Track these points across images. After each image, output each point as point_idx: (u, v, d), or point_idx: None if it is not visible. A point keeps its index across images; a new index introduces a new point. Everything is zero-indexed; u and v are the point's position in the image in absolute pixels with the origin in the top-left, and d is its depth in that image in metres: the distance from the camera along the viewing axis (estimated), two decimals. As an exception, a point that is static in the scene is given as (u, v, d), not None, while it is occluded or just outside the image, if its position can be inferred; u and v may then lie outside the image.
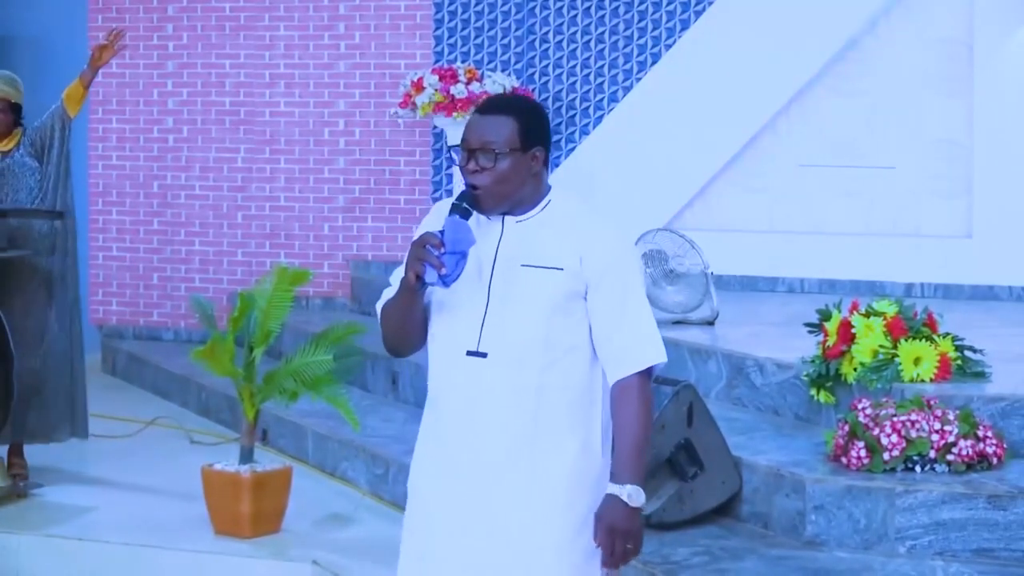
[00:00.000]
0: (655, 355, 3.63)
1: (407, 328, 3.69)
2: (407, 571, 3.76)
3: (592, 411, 3.66)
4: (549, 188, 3.71)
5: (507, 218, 3.65)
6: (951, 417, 5.68)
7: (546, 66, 10.47)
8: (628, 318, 3.61)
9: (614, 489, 3.55)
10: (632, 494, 3.54)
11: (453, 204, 3.59)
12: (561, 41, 10.44)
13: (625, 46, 10.33)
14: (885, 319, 6.28)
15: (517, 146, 3.60)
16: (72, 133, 7.63)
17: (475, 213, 3.62)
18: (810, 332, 6.63)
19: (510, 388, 3.57)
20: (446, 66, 10.18)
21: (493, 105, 3.70)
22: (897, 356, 6.17)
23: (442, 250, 3.50)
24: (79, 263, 7.82)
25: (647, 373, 3.63)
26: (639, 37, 10.31)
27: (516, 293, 3.58)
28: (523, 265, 3.59)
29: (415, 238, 3.57)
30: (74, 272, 7.68)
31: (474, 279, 3.61)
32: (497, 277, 3.60)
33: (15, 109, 7.60)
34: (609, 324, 3.60)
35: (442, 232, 3.53)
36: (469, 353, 3.59)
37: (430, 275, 3.50)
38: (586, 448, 3.63)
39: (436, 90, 9.88)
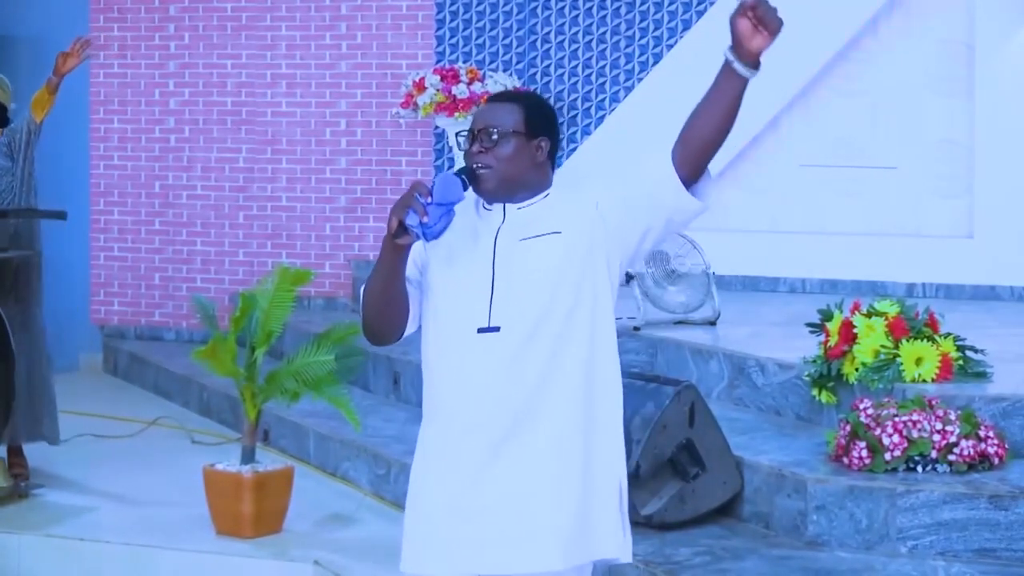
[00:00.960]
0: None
1: (387, 298, 3.63)
2: (412, 556, 3.74)
3: (600, 388, 3.64)
4: (551, 184, 3.72)
5: (508, 205, 3.66)
6: (952, 417, 5.68)
7: (548, 66, 10.47)
8: (634, 167, 3.61)
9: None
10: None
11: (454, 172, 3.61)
12: (563, 41, 10.44)
13: (627, 46, 10.33)
14: (886, 319, 6.29)
15: (521, 130, 3.64)
16: (39, 138, 7.56)
17: (479, 201, 3.65)
18: (811, 332, 6.63)
19: (523, 359, 3.55)
20: (448, 66, 10.18)
21: (502, 94, 3.77)
22: (898, 356, 6.17)
23: (429, 200, 3.49)
24: (80, 262, 7.82)
25: None
26: (641, 37, 10.31)
27: (520, 265, 3.58)
28: (522, 239, 3.60)
29: None
30: (38, 273, 7.64)
31: (476, 259, 3.61)
32: (500, 255, 3.60)
33: None
34: (641, 177, 3.58)
35: (433, 185, 3.52)
36: (481, 330, 3.58)
37: (411, 218, 3.45)
38: (589, 421, 3.61)
39: (438, 90, 9.88)
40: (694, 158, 3.54)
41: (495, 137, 3.62)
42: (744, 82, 3.48)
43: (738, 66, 3.46)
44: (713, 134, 3.54)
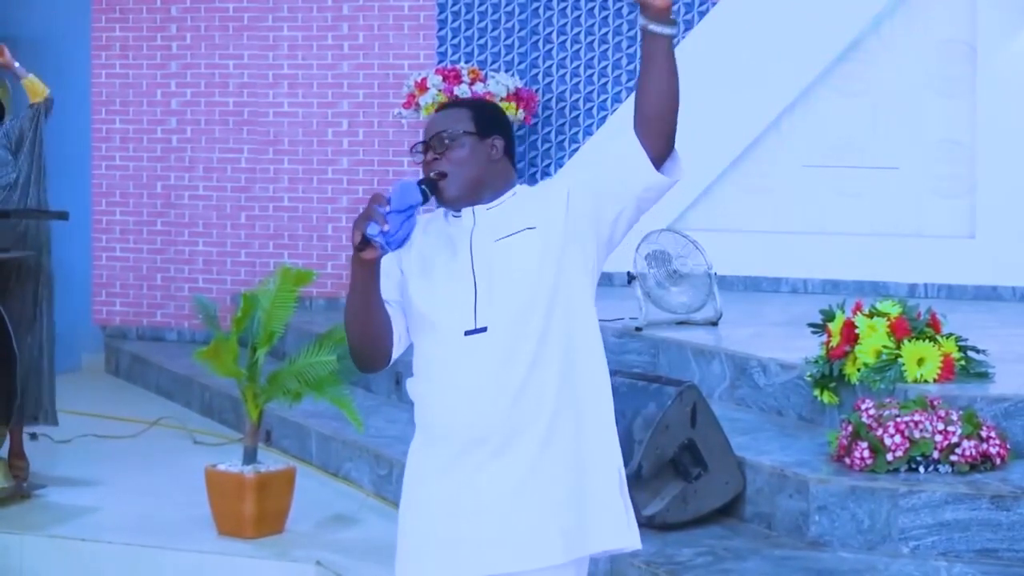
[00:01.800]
0: None
1: (367, 318, 3.60)
2: (409, 562, 3.74)
3: (586, 379, 3.62)
4: (516, 182, 3.71)
5: (476, 208, 3.64)
6: (954, 417, 5.68)
7: (550, 66, 10.47)
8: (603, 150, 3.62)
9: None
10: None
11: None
12: (564, 41, 10.44)
13: (629, 46, 10.33)
14: (888, 319, 6.29)
15: (472, 130, 3.62)
16: (43, 124, 7.61)
17: (448, 211, 3.64)
18: (813, 332, 6.63)
19: (511, 358, 3.54)
20: (450, 66, 10.19)
21: (448, 103, 3.76)
22: (900, 356, 6.17)
23: (388, 208, 3.47)
24: (82, 263, 7.84)
25: None
26: (643, 37, 10.30)
27: (499, 265, 3.57)
28: (497, 240, 3.59)
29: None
30: (48, 269, 7.69)
31: (454, 265, 3.60)
32: (477, 257, 3.59)
33: None
34: (608, 159, 3.58)
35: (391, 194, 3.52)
36: (468, 333, 3.57)
37: (372, 228, 3.44)
38: (579, 413, 3.60)
39: (440, 90, 9.88)
40: (653, 132, 3.51)
41: (447, 141, 3.60)
42: (667, 40, 3.47)
43: (654, 27, 3.45)
44: (661, 103, 3.50)
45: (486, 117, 3.68)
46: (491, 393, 3.56)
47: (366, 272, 3.55)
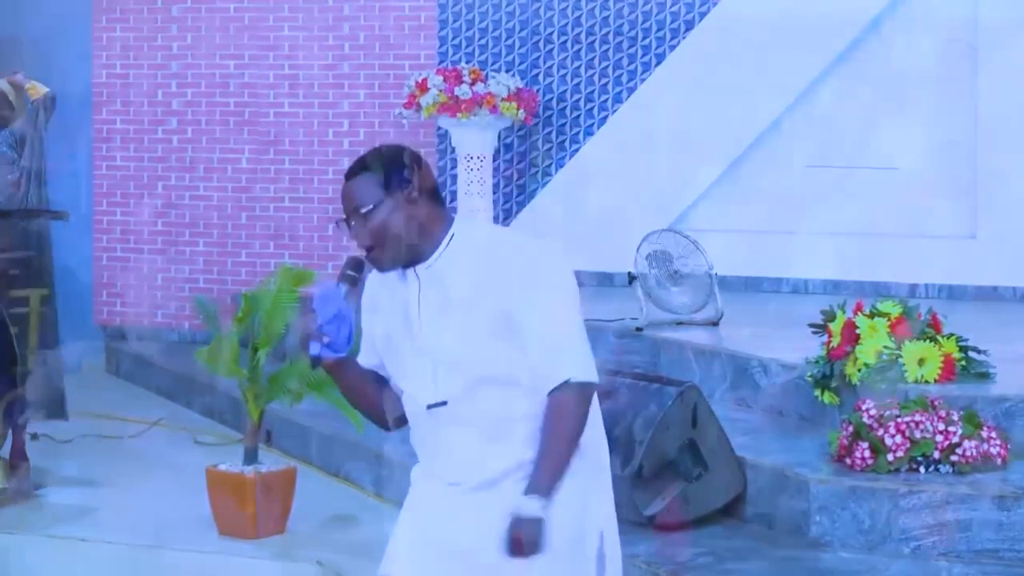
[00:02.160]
0: (574, 370, 3.50)
1: (361, 398, 3.77)
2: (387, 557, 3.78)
3: None
4: (452, 220, 3.67)
5: (418, 268, 3.62)
6: (955, 418, 5.68)
7: (550, 67, 10.47)
8: (543, 330, 3.51)
9: (521, 503, 3.46)
10: (537, 508, 3.44)
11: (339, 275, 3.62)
12: (565, 42, 10.44)
13: (629, 47, 10.33)
14: (889, 320, 6.29)
15: (382, 196, 3.57)
16: (42, 121, 7.65)
17: (386, 272, 3.63)
18: (814, 333, 6.63)
19: (478, 422, 3.57)
20: (450, 67, 10.19)
21: (350, 170, 3.67)
22: (901, 357, 6.17)
23: (318, 321, 3.53)
24: (83, 263, 7.85)
25: (580, 387, 3.51)
26: (643, 38, 10.31)
27: (449, 341, 3.56)
28: (449, 309, 3.57)
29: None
30: (49, 268, 7.71)
31: (410, 339, 3.62)
32: (427, 328, 3.60)
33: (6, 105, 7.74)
34: (528, 339, 3.52)
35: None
36: (430, 407, 3.60)
37: (313, 348, 3.53)
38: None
39: (440, 91, 9.88)
40: None
41: (364, 215, 3.56)
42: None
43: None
44: None
45: (389, 172, 3.60)
46: (469, 450, 3.61)
47: (340, 371, 3.69)
